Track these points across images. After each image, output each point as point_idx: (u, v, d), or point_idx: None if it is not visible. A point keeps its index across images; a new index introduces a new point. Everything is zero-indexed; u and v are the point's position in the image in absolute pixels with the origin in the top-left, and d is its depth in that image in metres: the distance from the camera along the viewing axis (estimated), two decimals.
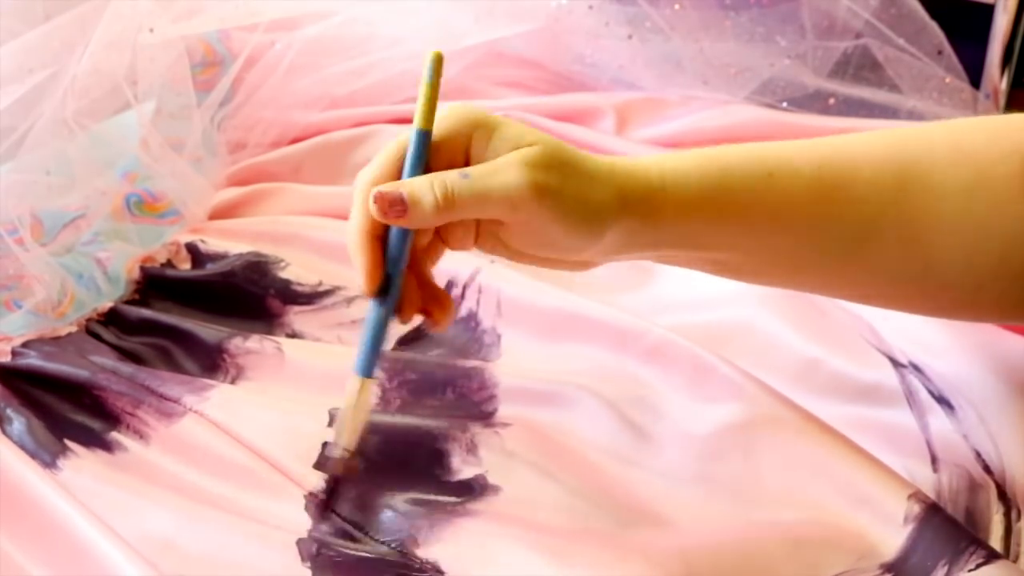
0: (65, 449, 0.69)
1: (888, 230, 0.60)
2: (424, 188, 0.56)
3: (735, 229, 0.60)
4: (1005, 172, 0.58)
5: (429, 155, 0.58)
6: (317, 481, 0.66)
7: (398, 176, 0.58)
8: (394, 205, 0.56)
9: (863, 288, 0.64)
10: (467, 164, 0.58)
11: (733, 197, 0.59)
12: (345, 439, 0.60)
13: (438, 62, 0.58)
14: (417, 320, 0.61)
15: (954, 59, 0.97)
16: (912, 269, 0.61)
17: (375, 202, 0.56)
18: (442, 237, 0.60)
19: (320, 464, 0.64)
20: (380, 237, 0.58)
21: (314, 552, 0.62)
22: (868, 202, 0.60)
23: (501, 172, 0.56)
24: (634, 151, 0.92)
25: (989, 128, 0.61)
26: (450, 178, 0.56)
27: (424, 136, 0.57)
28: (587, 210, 0.57)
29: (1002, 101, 1.04)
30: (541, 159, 0.57)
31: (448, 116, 0.58)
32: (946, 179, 0.59)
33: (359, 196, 0.58)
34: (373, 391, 0.59)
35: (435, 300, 0.60)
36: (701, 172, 0.59)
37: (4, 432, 0.70)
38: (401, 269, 0.58)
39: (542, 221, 0.57)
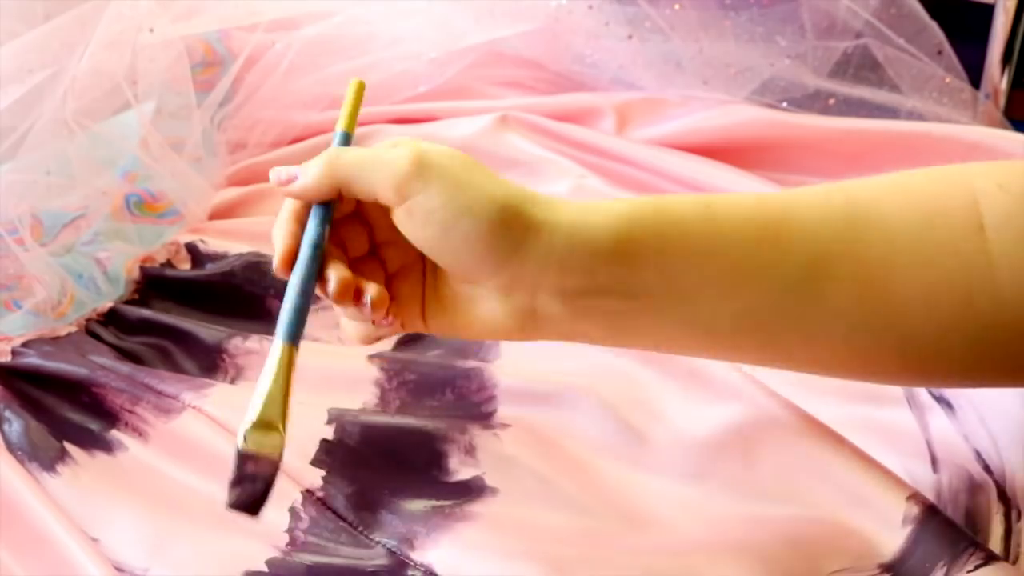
0: (64, 454, 0.69)
1: (840, 267, 0.56)
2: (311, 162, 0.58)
3: (673, 263, 0.55)
4: (953, 210, 0.56)
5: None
6: (314, 478, 0.66)
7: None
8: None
9: (819, 345, 0.58)
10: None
11: (669, 229, 0.55)
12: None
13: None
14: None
15: (954, 59, 0.97)
16: (870, 315, 0.57)
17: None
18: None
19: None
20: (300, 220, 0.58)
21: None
22: (816, 234, 0.56)
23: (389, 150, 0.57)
24: (634, 151, 0.92)
25: (932, 174, 0.59)
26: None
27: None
28: (486, 198, 0.54)
29: (1002, 101, 1.04)
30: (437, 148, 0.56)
31: None
32: (894, 216, 0.57)
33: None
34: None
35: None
36: (631, 208, 0.56)
37: (3, 433, 0.70)
38: (315, 244, 0.58)
39: (429, 200, 0.54)
